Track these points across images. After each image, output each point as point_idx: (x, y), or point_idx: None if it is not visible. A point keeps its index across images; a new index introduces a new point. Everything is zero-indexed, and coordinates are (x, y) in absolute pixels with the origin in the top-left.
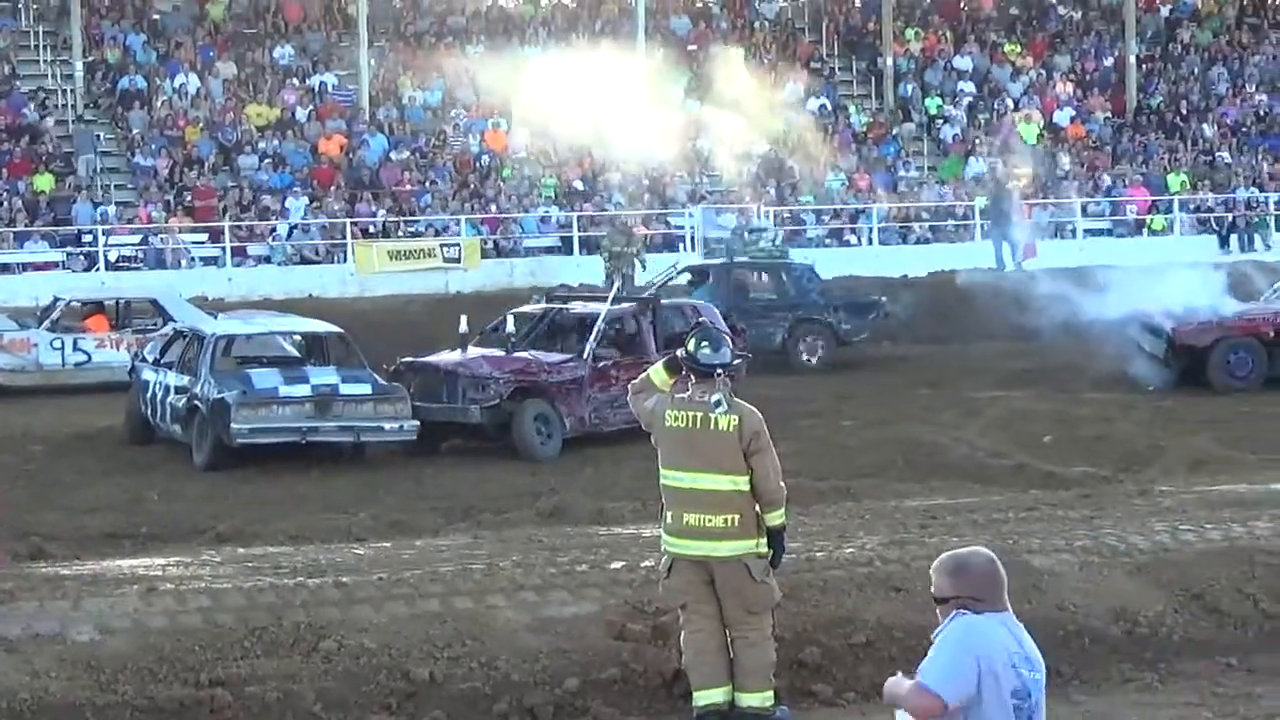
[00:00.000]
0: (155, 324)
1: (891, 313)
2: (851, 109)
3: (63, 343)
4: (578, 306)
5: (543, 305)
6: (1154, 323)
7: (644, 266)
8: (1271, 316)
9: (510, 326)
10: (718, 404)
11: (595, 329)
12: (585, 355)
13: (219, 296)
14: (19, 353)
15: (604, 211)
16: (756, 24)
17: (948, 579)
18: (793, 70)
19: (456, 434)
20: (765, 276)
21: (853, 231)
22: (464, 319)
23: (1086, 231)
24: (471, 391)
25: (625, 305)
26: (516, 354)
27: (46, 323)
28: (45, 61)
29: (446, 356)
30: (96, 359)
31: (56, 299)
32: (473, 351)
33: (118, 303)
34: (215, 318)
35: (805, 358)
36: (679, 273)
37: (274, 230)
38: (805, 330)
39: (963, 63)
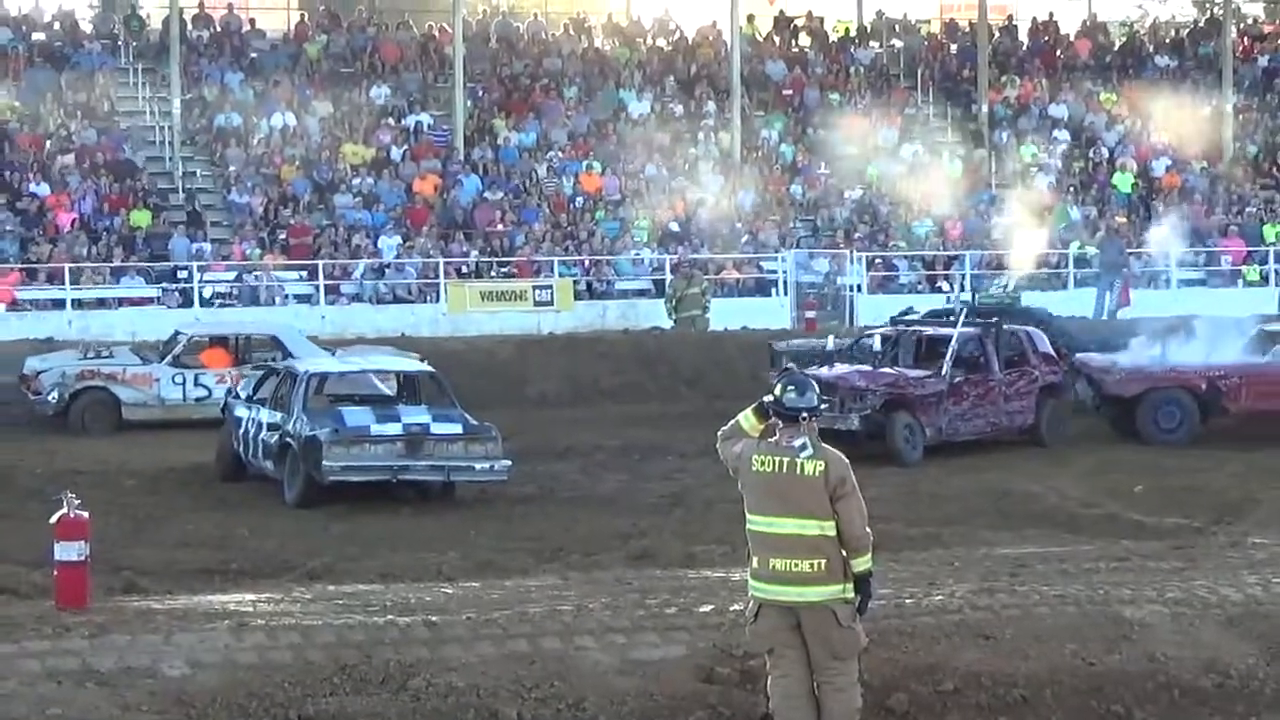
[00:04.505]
0: (275, 360)
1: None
2: (946, 155)
3: (184, 378)
4: (927, 330)
5: (893, 328)
6: (1089, 370)
7: (708, 309)
8: (1204, 370)
9: (876, 345)
10: (803, 448)
11: (950, 349)
12: (944, 372)
13: (312, 334)
14: (141, 387)
15: (697, 254)
16: (852, 69)
17: None
18: (887, 116)
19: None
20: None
21: (945, 278)
22: (831, 338)
23: (1181, 281)
24: (850, 401)
25: (971, 328)
26: (882, 369)
27: (168, 358)
28: (144, 99)
29: (819, 371)
30: (217, 394)
31: (178, 333)
32: (841, 367)
33: (238, 338)
34: (333, 354)
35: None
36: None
37: (371, 268)
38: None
39: (1058, 110)
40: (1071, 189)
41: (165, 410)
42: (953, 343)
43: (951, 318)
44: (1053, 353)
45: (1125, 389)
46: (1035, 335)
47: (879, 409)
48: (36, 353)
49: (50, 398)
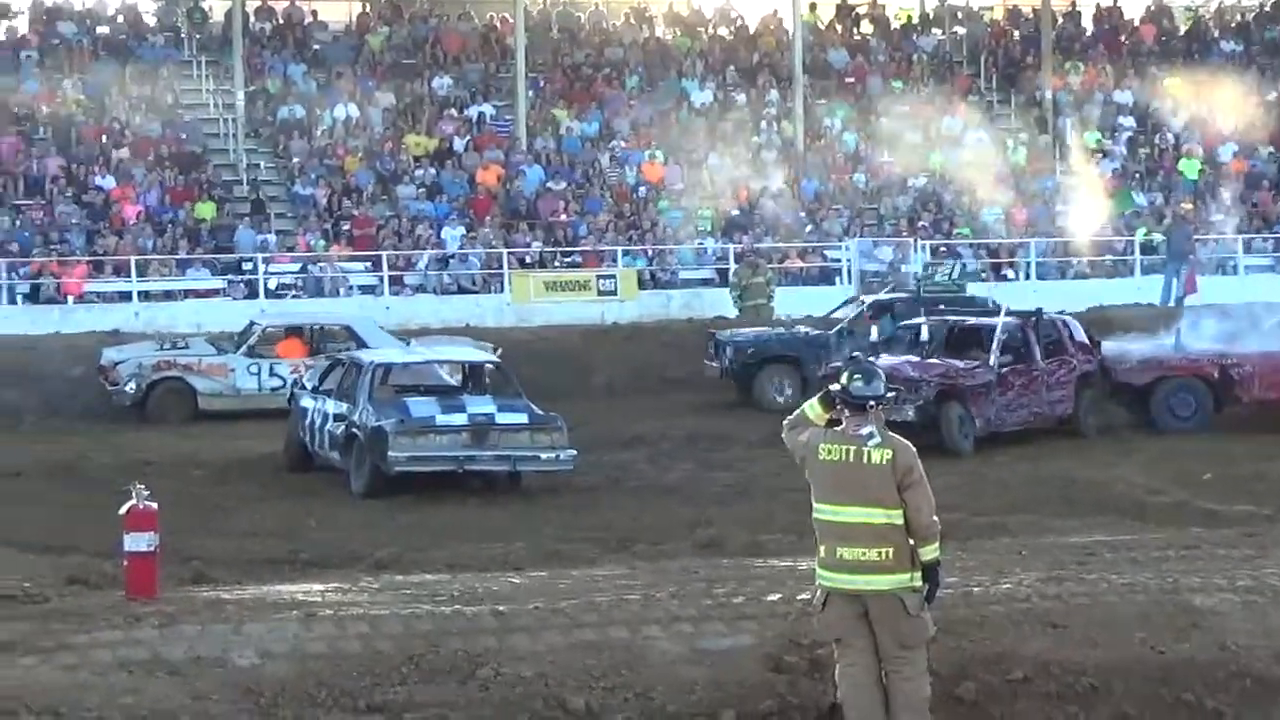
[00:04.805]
0: (349, 349)
1: None
2: (1009, 142)
3: (259, 368)
4: (969, 320)
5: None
6: (1106, 359)
7: (773, 298)
8: (1216, 358)
9: (925, 335)
10: (870, 437)
11: (996, 339)
12: (992, 362)
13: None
14: (217, 377)
15: (760, 243)
16: (914, 57)
17: None
18: (950, 103)
19: None
20: None
21: (1010, 266)
22: (874, 328)
23: (1248, 268)
24: (905, 392)
25: (1013, 319)
26: (930, 360)
27: (244, 348)
28: (208, 91)
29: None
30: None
31: (253, 324)
32: (887, 358)
33: (312, 329)
34: (407, 345)
35: None
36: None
37: (435, 259)
38: None
39: (1123, 96)
40: (1137, 175)
41: (240, 400)
42: (998, 332)
43: (897, 307)
44: (1087, 341)
45: (1136, 378)
46: (1071, 324)
47: (933, 399)
48: (103, 345)
49: (128, 388)
